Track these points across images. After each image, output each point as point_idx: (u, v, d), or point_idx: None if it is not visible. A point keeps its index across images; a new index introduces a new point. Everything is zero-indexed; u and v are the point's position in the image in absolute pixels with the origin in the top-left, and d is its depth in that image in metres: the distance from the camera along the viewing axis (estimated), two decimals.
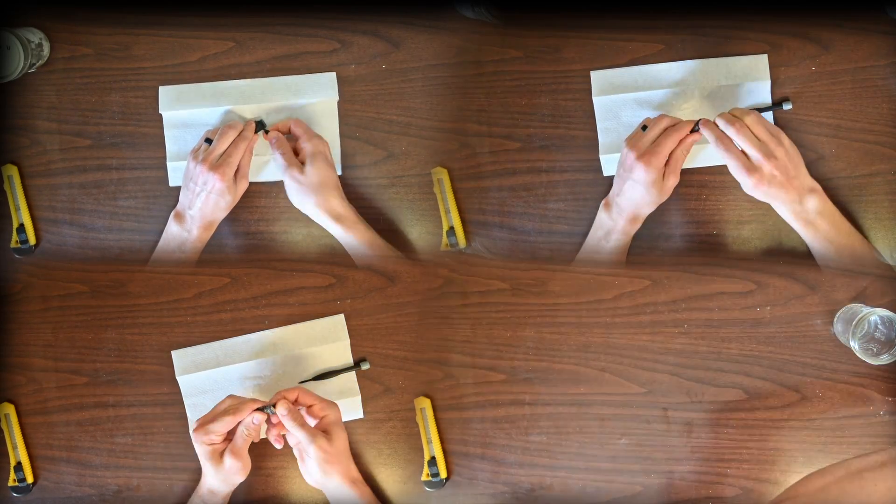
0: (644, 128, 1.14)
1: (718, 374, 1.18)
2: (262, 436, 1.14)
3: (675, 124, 1.13)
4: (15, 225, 1.21)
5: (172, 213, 1.17)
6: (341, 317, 1.20)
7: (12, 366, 1.21)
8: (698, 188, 1.20)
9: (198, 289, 1.21)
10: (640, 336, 1.19)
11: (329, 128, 1.20)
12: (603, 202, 1.16)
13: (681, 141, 1.13)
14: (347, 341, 1.20)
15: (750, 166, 1.10)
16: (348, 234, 1.17)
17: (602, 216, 1.17)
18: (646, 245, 1.19)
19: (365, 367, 1.20)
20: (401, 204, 1.20)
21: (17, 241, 1.21)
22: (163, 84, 1.21)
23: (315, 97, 1.20)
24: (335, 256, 1.20)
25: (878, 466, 0.97)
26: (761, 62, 1.18)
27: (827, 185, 1.17)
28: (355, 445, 1.19)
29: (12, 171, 1.21)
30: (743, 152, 1.11)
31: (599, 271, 1.19)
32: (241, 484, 1.16)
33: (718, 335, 1.19)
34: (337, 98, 1.20)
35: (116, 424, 1.21)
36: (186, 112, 1.20)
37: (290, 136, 1.19)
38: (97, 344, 1.21)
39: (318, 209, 1.16)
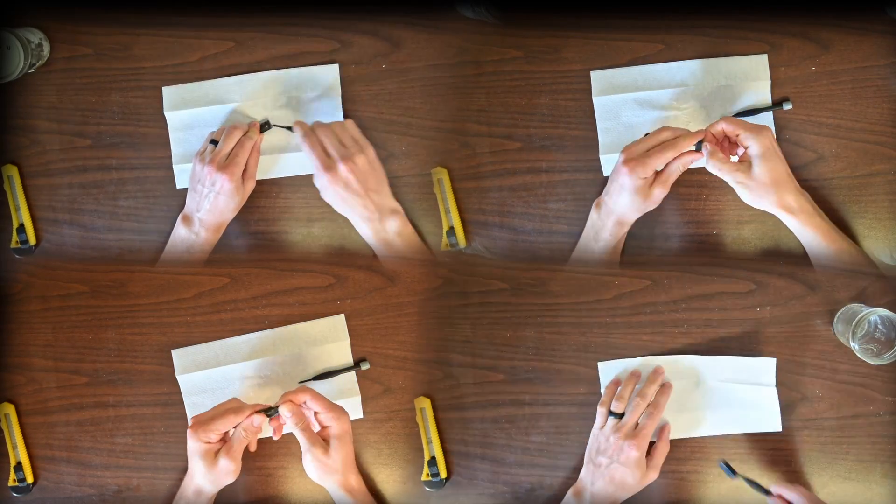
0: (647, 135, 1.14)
1: None
2: (260, 437, 1.14)
3: (676, 138, 1.11)
4: (15, 225, 1.21)
5: (180, 217, 1.17)
6: (341, 317, 1.20)
7: (12, 366, 1.21)
8: (698, 188, 1.20)
9: (198, 289, 1.21)
10: (640, 336, 1.19)
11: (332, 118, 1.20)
12: (595, 202, 1.16)
13: (680, 155, 1.11)
14: (347, 341, 1.20)
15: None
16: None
17: (593, 215, 1.16)
18: (646, 245, 1.19)
19: (365, 367, 1.20)
20: (401, 204, 1.20)
21: (17, 241, 1.21)
22: (163, 84, 1.21)
23: (318, 90, 1.20)
24: (335, 256, 1.20)
25: None
26: (761, 62, 1.18)
27: (827, 185, 1.18)
28: (355, 445, 1.19)
29: (12, 171, 1.21)
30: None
31: (599, 271, 1.19)
32: (241, 484, 1.16)
33: (718, 335, 1.19)
34: (340, 91, 1.20)
35: (116, 424, 1.21)
36: (191, 113, 1.20)
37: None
38: (97, 344, 1.21)
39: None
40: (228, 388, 1.20)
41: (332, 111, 1.20)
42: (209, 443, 1.10)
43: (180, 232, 1.17)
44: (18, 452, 1.20)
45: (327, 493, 1.16)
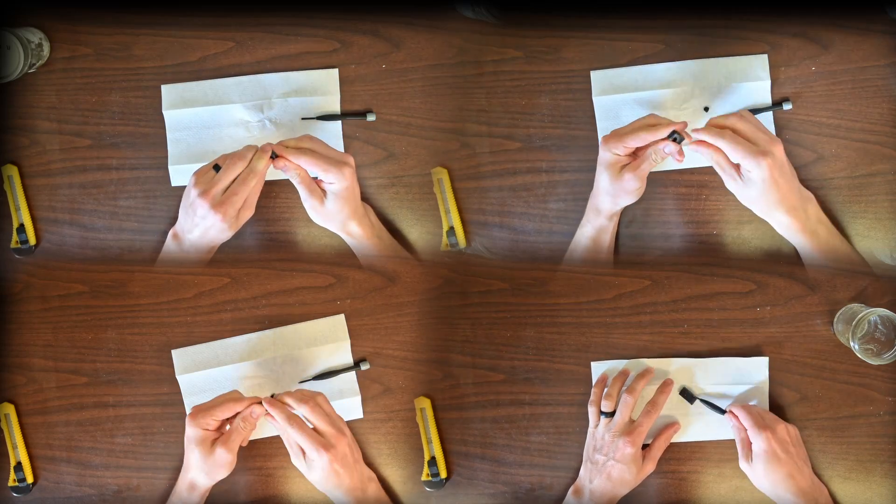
0: None
1: None
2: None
3: (657, 123, 1.10)
4: (15, 225, 1.21)
5: (171, 232, 1.16)
6: (341, 317, 1.20)
7: (12, 366, 1.21)
8: (698, 188, 1.20)
9: (198, 289, 1.21)
10: (640, 336, 1.19)
11: (331, 125, 1.20)
12: None
13: (654, 144, 1.10)
14: (347, 341, 1.20)
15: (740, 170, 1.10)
16: (362, 247, 1.17)
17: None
18: (646, 245, 1.19)
19: (365, 367, 1.20)
20: (401, 204, 1.20)
21: (17, 241, 1.21)
22: (163, 84, 1.21)
23: (317, 94, 1.20)
24: (335, 256, 1.20)
25: None
26: (761, 62, 1.18)
27: (827, 185, 1.18)
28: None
29: (12, 171, 1.21)
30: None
31: (599, 271, 1.19)
32: (241, 484, 1.16)
33: (718, 335, 1.19)
34: (339, 95, 1.20)
35: (116, 424, 1.21)
36: (189, 112, 1.20)
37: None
38: (97, 344, 1.21)
39: (338, 231, 1.16)
40: (228, 388, 1.19)
41: (330, 115, 1.20)
42: (207, 430, 1.10)
43: (171, 247, 1.16)
44: (18, 452, 1.20)
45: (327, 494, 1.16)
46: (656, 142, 1.10)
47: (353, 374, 1.20)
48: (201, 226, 1.11)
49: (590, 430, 1.17)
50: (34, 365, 1.21)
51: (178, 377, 1.20)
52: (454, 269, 1.20)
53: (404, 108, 1.20)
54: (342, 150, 1.20)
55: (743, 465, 1.14)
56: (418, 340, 1.20)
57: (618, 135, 1.11)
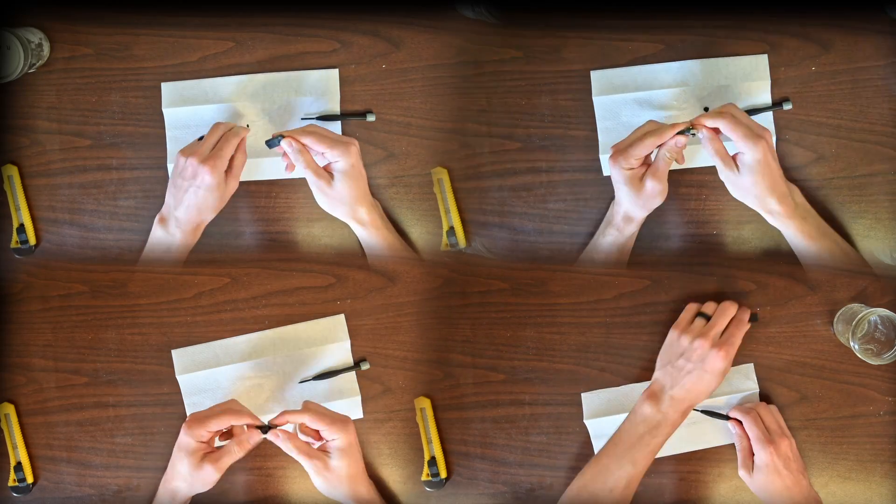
0: None
1: None
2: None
3: (660, 127, 1.11)
4: (15, 225, 1.21)
5: (157, 218, 1.16)
6: (341, 317, 1.20)
7: (12, 366, 1.21)
8: (698, 188, 1.20)
9: (198, 289, 1.21)
10: (640, 336, 1.19)
11: (331, 126, 1.20)
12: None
13: (663, 145, 1.10)
14: (347, 341, 1.20)
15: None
16: (371, 237, 1.16)
17: (610, 210, 1.17)
18: (646, 245, 1.19)
19: (365, 367, 1.20)
20: (401, 204, 1.20)
21: (17, 241, 1.21)
22: (163, 83, 1.21)
23: (317, 94, 1.20)
24: (335, 256, 1.20)
25: None
26: (761, 62, 1.18)
27: (827, 185, 1.18)
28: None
29: (12, 171, 1.21)
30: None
31: (599, 271, 1.19)
32: (241, 484, 1.16)
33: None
34: (339, 95, 1.20)
35: (116, 424, 1.21)
36: (188, 110, 1.20)
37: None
38: (97, 344, 1.21)
39: (346, 217, 1.16)
40: (229, 388, 1.20)
41: (330, 113, 1.20)
42: (200, 441, 1.09)
43: (157, 233, 1.16)
44: (18, 452, 1.20)
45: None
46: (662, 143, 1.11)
47: (353, 374, 1.20)
48: (190, 189, 1.12)
49: (672, 333, 1.15)
50: (34, 365, 1.21)
51: (178, 377, 1.20)
52: (454, 269, 1.20)
53: (404, 108, 1.20)
54: None
55: (742, 473, 1.14)
56: (418, 340, 1.20)
57: (622, 149, 1.11)
